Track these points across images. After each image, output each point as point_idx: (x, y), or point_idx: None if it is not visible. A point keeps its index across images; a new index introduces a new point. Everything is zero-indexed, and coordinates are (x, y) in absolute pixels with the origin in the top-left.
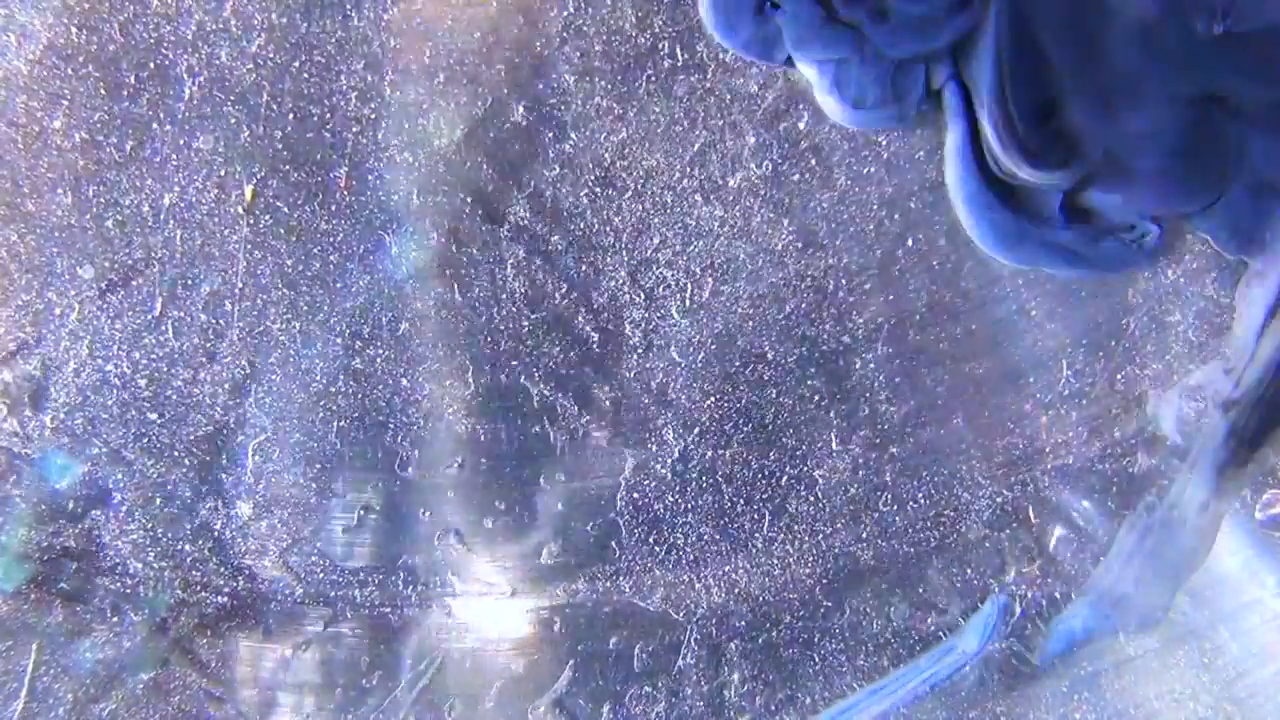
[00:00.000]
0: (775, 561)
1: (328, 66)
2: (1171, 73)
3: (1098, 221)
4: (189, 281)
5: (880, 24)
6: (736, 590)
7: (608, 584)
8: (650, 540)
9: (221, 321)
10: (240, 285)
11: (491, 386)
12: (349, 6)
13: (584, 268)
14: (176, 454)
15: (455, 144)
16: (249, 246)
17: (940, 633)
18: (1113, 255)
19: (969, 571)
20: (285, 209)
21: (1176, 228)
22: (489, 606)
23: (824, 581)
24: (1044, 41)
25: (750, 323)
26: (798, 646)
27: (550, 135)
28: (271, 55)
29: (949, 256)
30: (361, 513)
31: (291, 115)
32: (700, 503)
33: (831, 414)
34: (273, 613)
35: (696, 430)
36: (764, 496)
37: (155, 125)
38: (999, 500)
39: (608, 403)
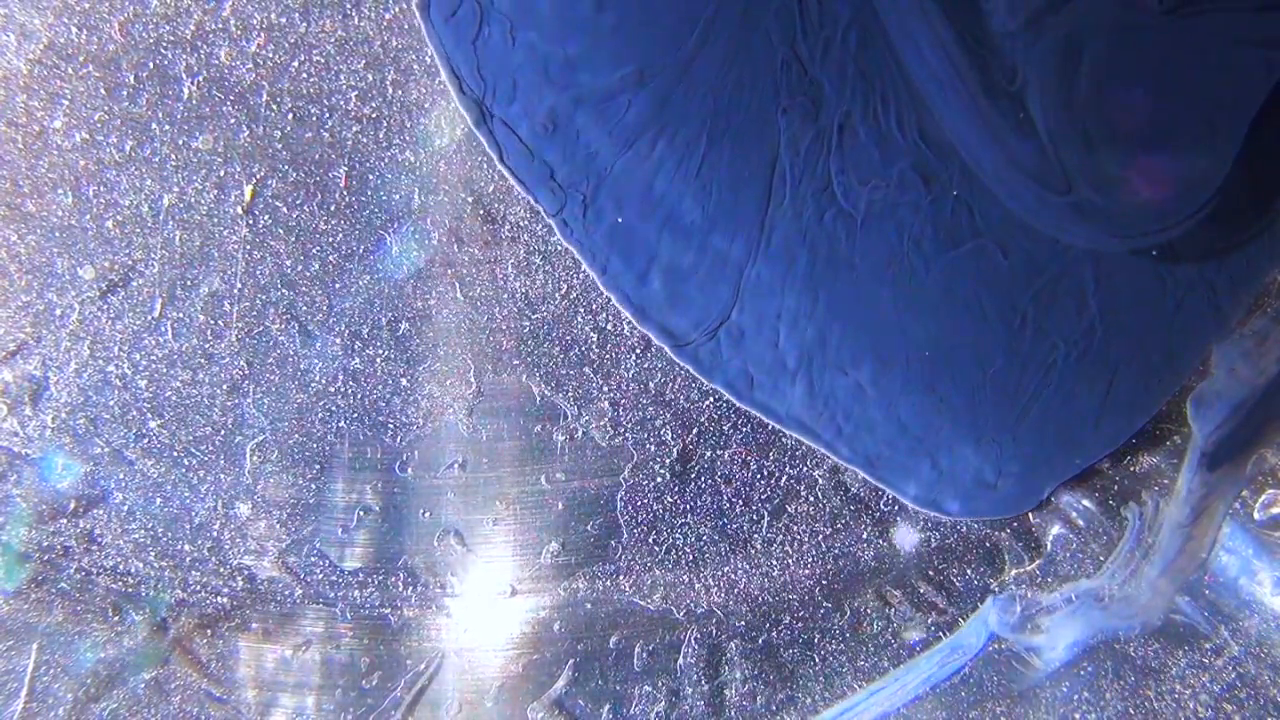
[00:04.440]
0: (775, 562)
1: (328, 66)
2: None
3: None
4: (188, 282)
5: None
6: (736, 590)
7: (608, 584)
8: (650, 540)
9: (220, 322)
10: (239, 286)
11: (492, 386)
12: (349, 6)
13: (584, 268)
14: (176, 454)
15: (455, 144)
16: (248, 247)
17: (940, 633)
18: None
19: (969, 571)
20: (285, 209)
21: None
22: (489, 606)
23: (824, 582)
24: None
25: None
26: (798, 646)
27: None
28: (271, 55)
29: None
30: (361, 513)
31: (291, 115)
32: (700, 503)
33: None
34: (272, 613)
35: (695, 430)
36: (763, 497)
37: (155, 125)
38: None
39: (607, 403)
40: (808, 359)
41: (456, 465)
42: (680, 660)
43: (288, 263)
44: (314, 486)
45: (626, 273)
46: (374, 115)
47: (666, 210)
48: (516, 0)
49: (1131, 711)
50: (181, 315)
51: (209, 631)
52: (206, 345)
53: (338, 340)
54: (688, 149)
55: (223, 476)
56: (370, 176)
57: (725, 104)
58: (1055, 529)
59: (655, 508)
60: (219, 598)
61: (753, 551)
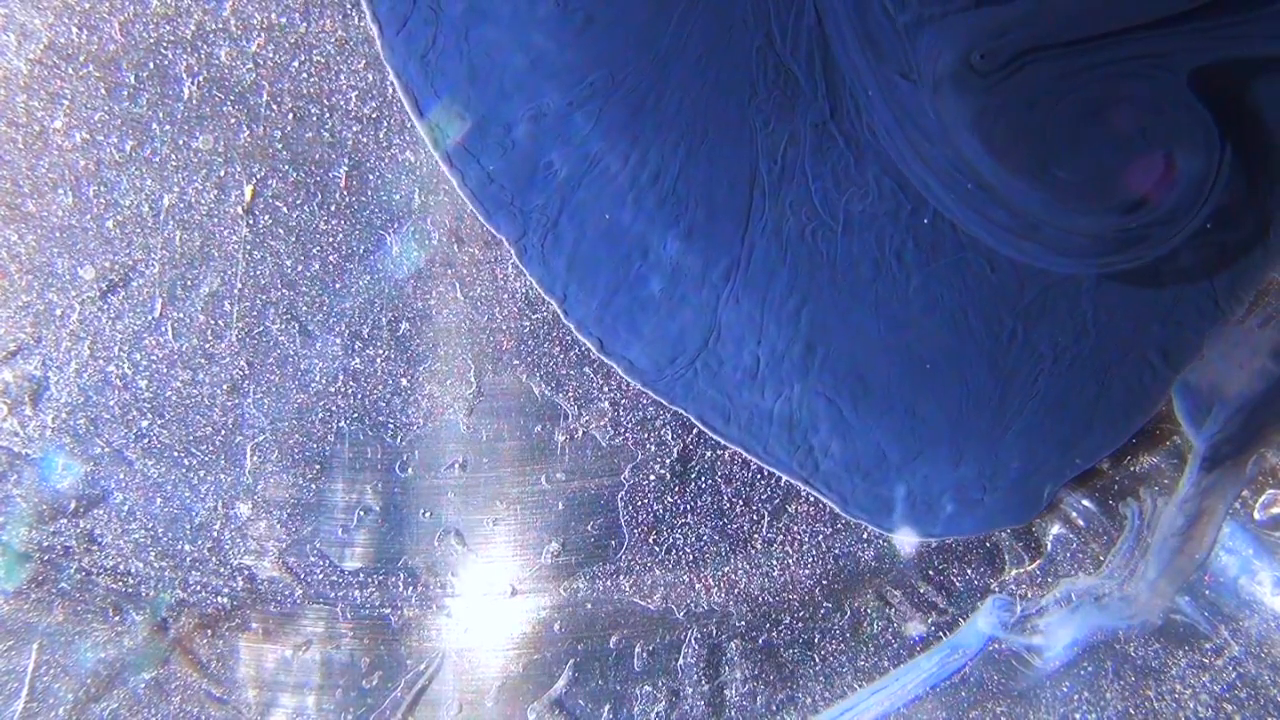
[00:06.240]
0: (775, 562)
1: (328, 66)
2: None
3: None
4: (188, 282)
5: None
6: (736, 590)
7: (608, 584)
8: (650, 540)
9: (220, 322)
10: (239, 286)
11: (492, 386)
12: (349, 6)
13: None
14: (176, 454)
15: None
16: (248, 247)
17: (940, 633)
18: None
19: (969, 571)
20: (285, 209)
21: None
22: (489, 606)
23: (824, 582)
24: None
25: None
26: (798, 646)
27: None
28: (271, 55)
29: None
30: (361, 513)
31: (291, 115)
32: (700, 503)
33: None
34: (273, 613)
35: (695, 430)
36: (763, 497)
37: (155, 125)
38: None
39: (607, 403)
40: (788, 385)
41: (456, 465)
42: (680, 660)
43: (288, 263)
44: (314, 486)
45: (589, 302)
46: (374, 115)
47: (640, 230)
48: (471, 4)
49: (1131, 711)
50: (181, 315)
51: (209, 631)
52: (206, 345)
53: (338, 340)
54: (663, 160)
55: (223, 476)
56: (370, 176)
57: (703, 106)
58: (1055, 529)
59: (655, 508)
60: (219, 598)
61: (753, 551)
